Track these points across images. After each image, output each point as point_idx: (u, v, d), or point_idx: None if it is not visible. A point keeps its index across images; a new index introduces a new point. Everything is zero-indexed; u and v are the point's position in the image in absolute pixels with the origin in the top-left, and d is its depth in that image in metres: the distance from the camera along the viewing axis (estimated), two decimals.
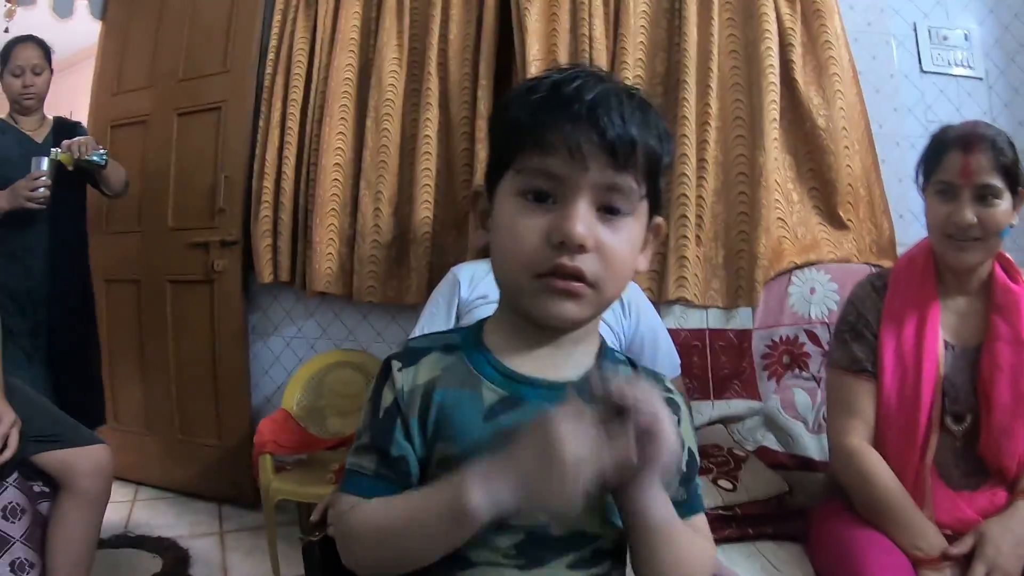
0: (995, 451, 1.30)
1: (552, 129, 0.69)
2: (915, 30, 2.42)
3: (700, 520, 0.80)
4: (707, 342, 1.98)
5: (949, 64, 2.42)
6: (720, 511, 1.46)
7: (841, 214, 2.13)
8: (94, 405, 2.53)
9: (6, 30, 3.27)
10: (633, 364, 0.84)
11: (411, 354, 0.79)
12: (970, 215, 1.29)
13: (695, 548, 0.75)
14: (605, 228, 0.71)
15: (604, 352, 0.81)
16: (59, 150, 2.32)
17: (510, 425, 0.70)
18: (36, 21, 3.40)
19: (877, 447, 1.34)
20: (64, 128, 2.57)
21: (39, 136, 2.48)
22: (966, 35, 2.44)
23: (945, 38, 2.42)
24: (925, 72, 2.40)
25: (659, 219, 0.79)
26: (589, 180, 0.69)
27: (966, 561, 1.19)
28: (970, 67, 2.43)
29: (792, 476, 1.63)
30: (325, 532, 1.28)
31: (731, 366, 1.97)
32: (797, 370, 1.94)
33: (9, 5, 3.22)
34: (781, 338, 1.98)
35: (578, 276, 0.70)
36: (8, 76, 2.45)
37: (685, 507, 0.77)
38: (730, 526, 1.45)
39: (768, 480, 1.56)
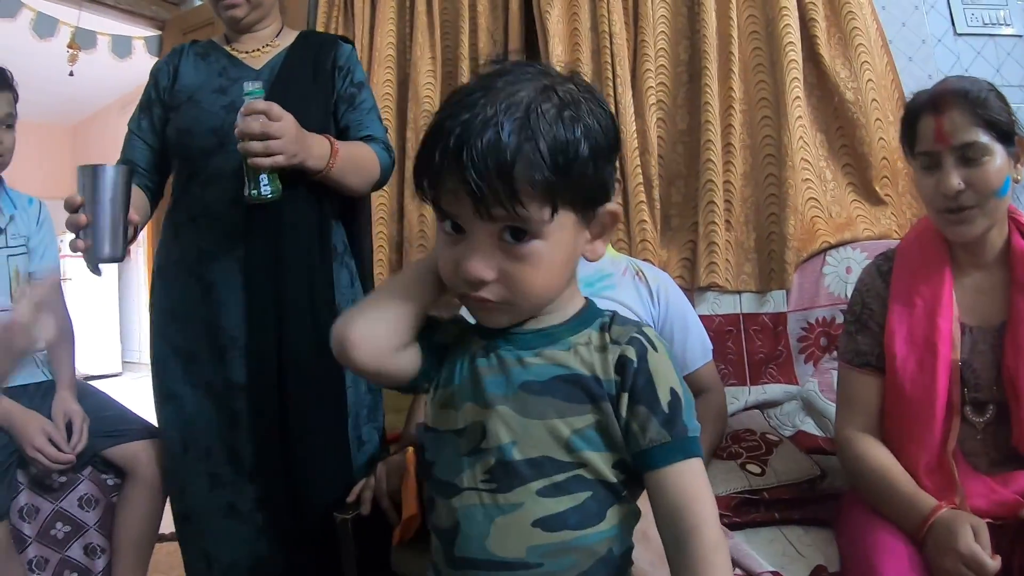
0: None
1: (437, 173, 0.70)
2: None
3: (694, 465, 0.75)
4: (741, 327, 1.96)
5: (985, 24, 2.33)
6: (747, 495, 1.42)
7: (878, 189, 2.08)
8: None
9: (71, 74, 3.52)
10: (612, 316, 0.82)
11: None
12: (955, 181, 1.16)
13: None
14: (506, 257, 0.72)
15: (588, 310, 0.83)
16: (256, 85, 1.33)
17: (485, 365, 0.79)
18: (98, 62, 3.65)
19: (893, 436, 1.26)
20: (311, 45, 1.65)
21: (259, 60, 1.61)
22: None
23: None
24: (960, 35, 2.32)
25: (610, 207, 0.77)
26: (480, 216, 0.69)
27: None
28: (1008, 24, 2.34)
29: (830, 460, 1.56)
30: (358, 511, 1.40)
31: (766, 350, 1.93)
32: (835, 352, 1.79)
33: (72, 51, 3.45)
34: (817, 320, 1.92)
35: (486, 301, 0.75)
36: None
37: (669, 450, 0.74)
38: (757, 510, 1.40)
39: (799, 464, 1.52)
